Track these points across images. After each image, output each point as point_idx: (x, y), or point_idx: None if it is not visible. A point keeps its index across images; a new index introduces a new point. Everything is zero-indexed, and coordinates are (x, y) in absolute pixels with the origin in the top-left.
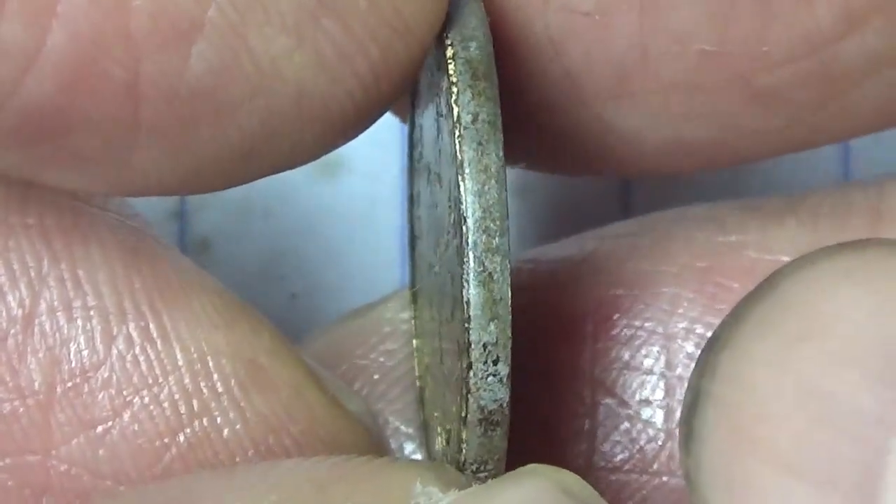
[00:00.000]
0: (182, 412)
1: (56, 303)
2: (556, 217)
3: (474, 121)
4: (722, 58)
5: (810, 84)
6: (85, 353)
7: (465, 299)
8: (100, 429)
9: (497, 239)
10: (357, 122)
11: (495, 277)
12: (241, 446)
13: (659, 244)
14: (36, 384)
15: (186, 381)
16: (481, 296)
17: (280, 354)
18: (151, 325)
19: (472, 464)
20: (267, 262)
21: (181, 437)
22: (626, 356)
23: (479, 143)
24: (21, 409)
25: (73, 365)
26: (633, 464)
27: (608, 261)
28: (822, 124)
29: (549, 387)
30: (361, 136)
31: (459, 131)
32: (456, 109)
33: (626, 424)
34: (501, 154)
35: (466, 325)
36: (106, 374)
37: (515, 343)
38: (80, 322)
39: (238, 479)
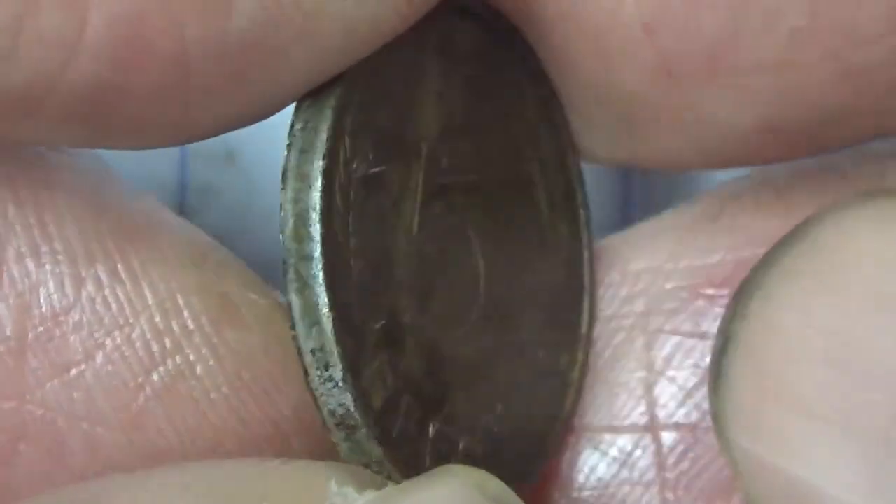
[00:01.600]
0: (154, 351)
1: (24, 249)
2: None
3: (303, 128)
4: (813, 34)
5: None
6: (55, 297)
7: (288, 307)
8: (73, 372)
9: (309, 245)
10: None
11: (310, 283)
12: (214, 383)
13: (783, 198)
14: (7, 330)
15: (157, 319)
16: (299, 303)
17: (250, 289)
18: (120, 266)
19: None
20: (267, 263)
21: (155, 377)
22: None
23: (302, 150)
24: None
25: (44, 310)
26: None
27: (738, 219)
28: None
29: (689, 353)
30: None
31: (289, 138)
32: (293, 117)
33: None
34: (322, 163)
35: (293, 331)
36: (77, 318)
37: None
38: (48, 267)
39: (153, 481)
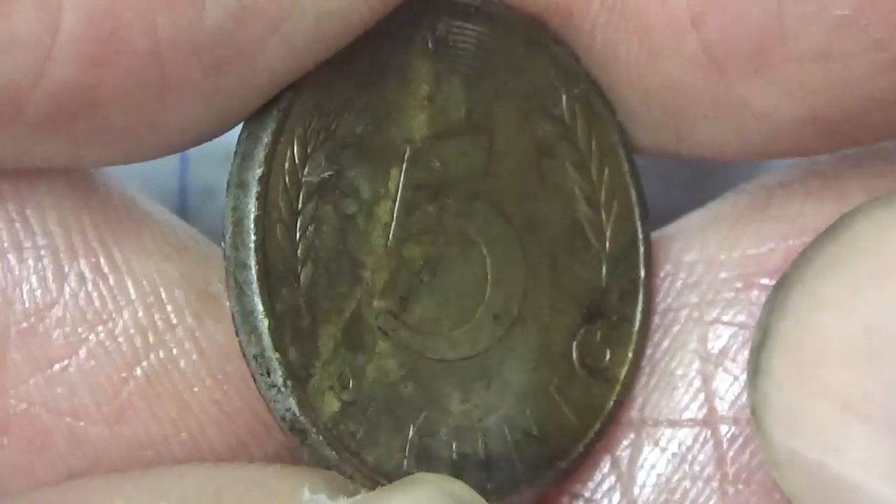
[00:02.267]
0: (138, 346)
1: (6, 244)
2: None
3: (248, 136)
4: (858, 23)
5: None
6: (38, 292)
7: (231, 314)
8: (57, 367)
9: (244, 253)
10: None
11: (246, 291)
12: (198, 376)
13: (831, 186)
14: None
15: (140, 314)
16: (238, 310)
17: None
18: (102, 261)
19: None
20: None
21: (138, 371)
22: None
23: (243, 158)
24: None
25: (27, 305)
26: None
27: (787, 208)
28: None
29: (746, 344)
30: None
31: (236, 146)
32: (242, 126)
33: None
34: (259, 171)
35: (237, 337)
36: (60, 313)
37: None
38: (31, 262)
39: (130, 484)
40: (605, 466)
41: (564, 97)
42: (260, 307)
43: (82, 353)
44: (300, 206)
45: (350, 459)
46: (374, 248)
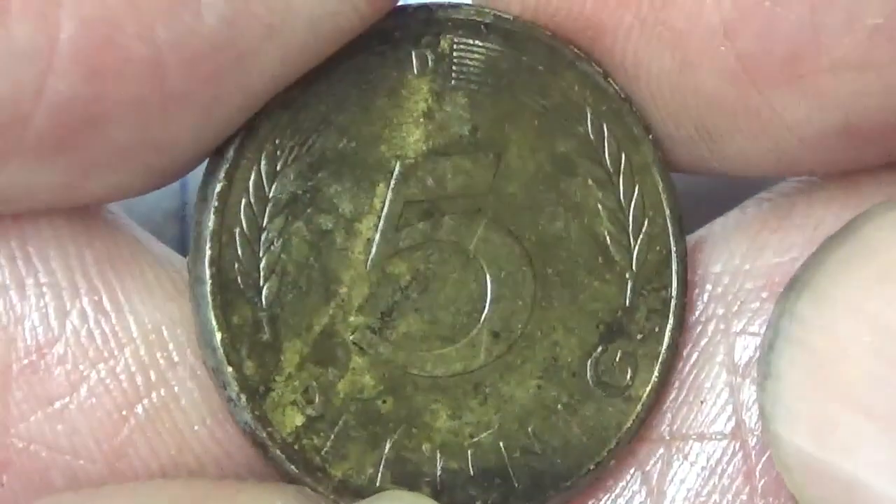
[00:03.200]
0: (139, 384)
1: (8, 281)
2: None
3: (216, 152)
4: (892, 33)
5: None
6: (39, 329)
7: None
8: (57, 404)
9: (201, 267)
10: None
11: (201, 304)
12: (199, 415)
13: (853, 192)
14: None
15: (142, 352)
16: (197, 323)
17: None
18: (105, 299)
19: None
20: None
21: (139, 409)
22: None
23: (209, 174)
24: None
25: (29, 342)
26: None
27: (810, 215)
28: None
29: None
30: None
31: (206, 163)
32: None
33: None
34: (219, 186)
35: (199, 350)
36: (61, 350)
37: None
38: (33, 299)
39: (102, 501)
40: (636, 482)
41: (590, 114)
42: (213, 322)
43: (83, 390)
44: (265, 221)
45: (313, 474)
46: (353, 263)
